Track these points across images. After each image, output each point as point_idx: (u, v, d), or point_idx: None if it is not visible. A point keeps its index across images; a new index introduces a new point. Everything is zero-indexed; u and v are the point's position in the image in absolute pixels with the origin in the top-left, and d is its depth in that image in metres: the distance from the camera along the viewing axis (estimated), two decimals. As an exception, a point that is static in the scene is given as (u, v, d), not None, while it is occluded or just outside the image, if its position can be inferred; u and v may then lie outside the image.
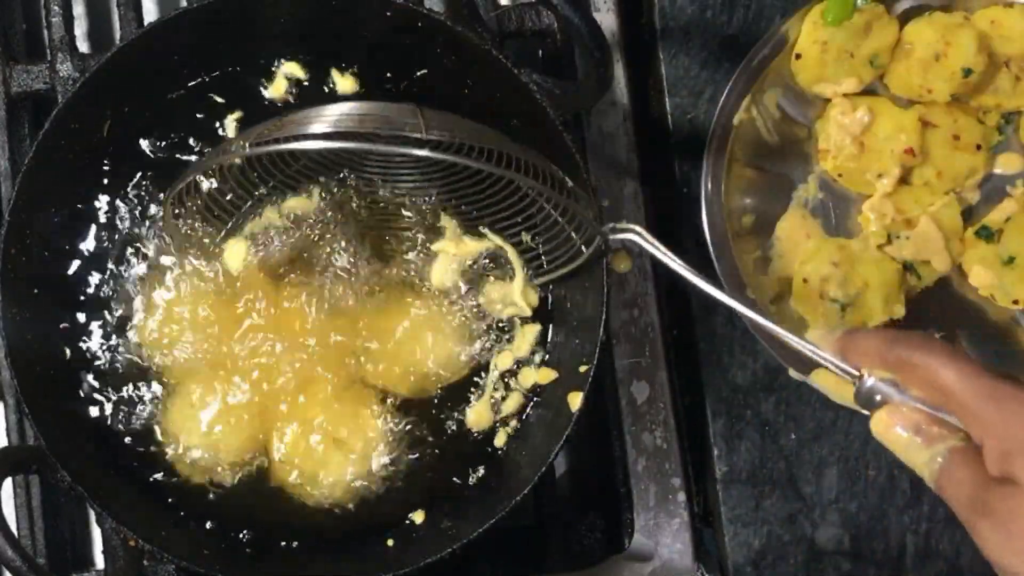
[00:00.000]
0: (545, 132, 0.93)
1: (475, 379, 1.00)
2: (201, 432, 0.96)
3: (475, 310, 1.00)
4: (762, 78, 1.05)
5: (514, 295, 0.99)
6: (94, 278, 0.99)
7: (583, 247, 0.94)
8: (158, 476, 0.98)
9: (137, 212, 1.00)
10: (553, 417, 0.97)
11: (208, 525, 0.97)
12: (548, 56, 1.10)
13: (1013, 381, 0.71)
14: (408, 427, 0.99)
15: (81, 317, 0.99)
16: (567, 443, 0.93)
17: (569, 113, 0.99)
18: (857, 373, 0.78)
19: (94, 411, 0.98)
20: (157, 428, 0.98)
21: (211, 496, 0.98)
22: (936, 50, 1.03)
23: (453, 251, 0.99)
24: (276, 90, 1.01)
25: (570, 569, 1.06)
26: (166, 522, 0.96)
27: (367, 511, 0.98)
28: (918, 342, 0.75)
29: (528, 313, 1.00)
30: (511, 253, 0.99)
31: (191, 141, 1.01)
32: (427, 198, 0.99)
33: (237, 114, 1.00)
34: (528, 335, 1.01)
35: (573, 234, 0.94)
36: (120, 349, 0.98)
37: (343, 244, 0.98)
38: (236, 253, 0.98)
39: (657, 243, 0.88)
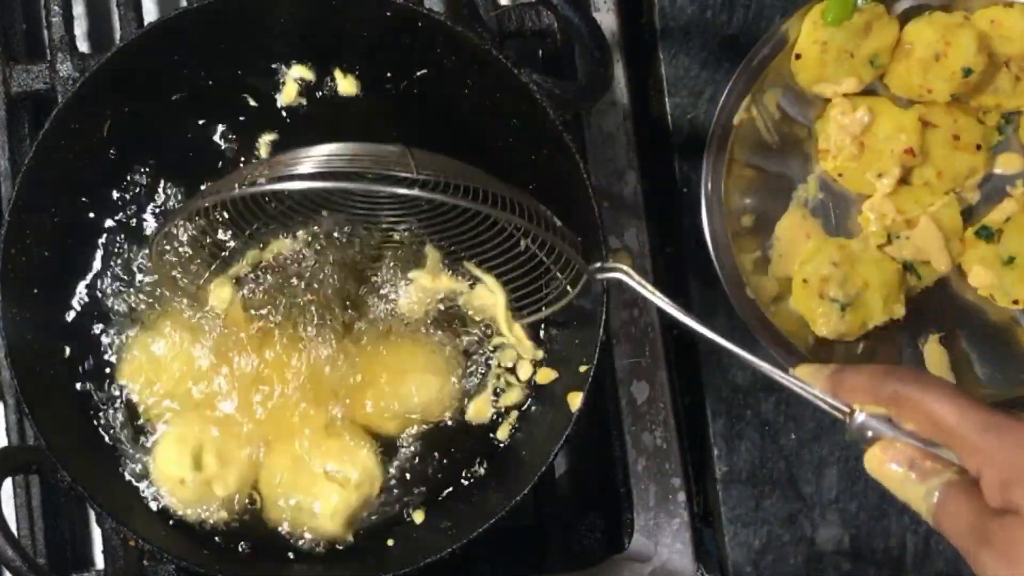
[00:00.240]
0: (545, 132, 0.93)
1: (476, 374, 1.00)
2: (190, 470, 0.95)
3: (463, 351, 1.00)
4: (762, 78, 1.05)
5: (501, 327, 0.98)
6: (94, 278, 0.99)
7: (568, 287, 0.93)
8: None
9: (137, 212, 1.00)
10: (553, 417, 0.97)
11: (208, 525, 0.97)
12: (548, 56, 1.10)
13: (1007, 413, 0.71)
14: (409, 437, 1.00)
15: (81, 317, 0.99)
16: (567, 443, 0.93)
17: (569, 113, 0.99)
18: (847, 409, 0.77)
19: (94, 411, 0.98)
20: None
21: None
22: (936, 50, 1.03)
23: (428, 284, 0.98)
24: (287, 96, 1.01)
25: (570, 569, 1.06)
26: (166, 522, 0.96)
27: (367, 511, 0.98)
28: (911, 376, 0.74)
29: (523, 350, 0.99)
30: (492, 283, 0.98)
31: (191, 141, 1.01)
32: (412, 228, 0.98)
33: (271, 136, 1.01)
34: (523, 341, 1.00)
35: (559, 274, 0.94)
36: (121, 349, 0.99)
37: (329, 283, 0.98)
38: (221, 293, 0.97)
39: (644, 282, 0.87)
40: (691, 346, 1.10)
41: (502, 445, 1.00)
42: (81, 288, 0.99)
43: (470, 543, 0.92)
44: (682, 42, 1.11)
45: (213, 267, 0.97)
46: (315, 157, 0.87)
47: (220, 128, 1.01)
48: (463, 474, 1.00)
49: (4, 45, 1.07)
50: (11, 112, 1.06)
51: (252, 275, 0.98)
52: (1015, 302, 1.05)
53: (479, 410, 1.00)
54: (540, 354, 1.00)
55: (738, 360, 0.83)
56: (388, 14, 0.95)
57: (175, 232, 0.96)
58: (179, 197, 1.00)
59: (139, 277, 0.99)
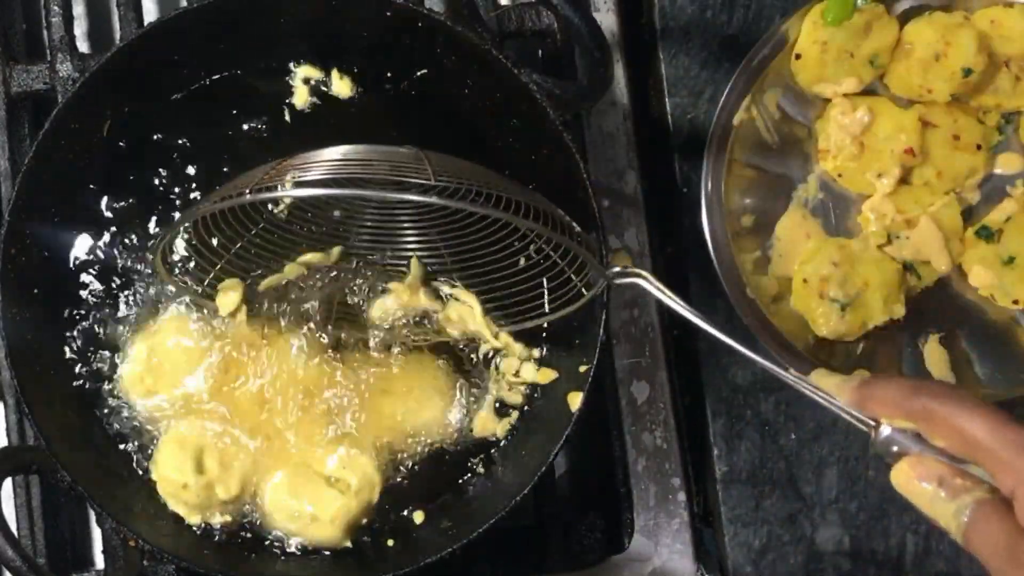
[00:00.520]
0: (545, 132, 0.93)
1: (477, 385, 1.01)
2: (192, 474, 0.95)
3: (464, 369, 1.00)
4: (762, 78, 1.05)
5: (485, 335, 0.98)
6: (94, 278, 0.99)
7: (584, 290, 0.92)
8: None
9: (137, 213, 1.00)
10: (553, 417, 0.97)
11: (210, 528, 0.97)
12: (548, 56, 1.10)
13: None
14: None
15: (82, 317, 0.99)
16: (567, 443, 0.93)
17: (569, 113, 0.99)
18: (873, 423, 0.75)
19: (94, 411, 0.98)
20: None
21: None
22: (936, 50, 1.03)
23: (405, 297, 0.98)
24: (300, 98, 1.01)
25: (570, 569, 1.06)
26: (166, 522, 0.96)
27: (367, 517, 0.98)
28: (942, 391, 0.73)
29: (513, 351, 0.99)
30: (465, 295, 0.97)
31: (191, 141, 1.01)
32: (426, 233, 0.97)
33: (270, 136, 1.00)
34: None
35: (573, 276, 0.93)
36: (121, 350, 0.99)
37: (342, 290, 0.98)
38: (228, 297, 0.97)
39: (663, 287, 0.86)
40: (691, 346, 1.09)
41: (502, 445, 1.00)
42: (81, 288, 0.99)
43: (470, 543, 0.92)
44: (682, 42, 1.11)
45: (218, 267, 0.97)
46: (327, 162, 0.85)
47: (220, 128, 1.01)
48: (463, 474, 1.00)
49: (4, 45, 1.07)
50: (11, 112, 1.06)
51: (258, 283, 0.98)
52: (1015, 302, 1.05)
53: (484, 424, 1.00)
54: (535, 352, 1.00)
55: (770, 375, 0.83)
56: (388, 14, 0.95)
57: (180, 235, 0.96)
58: (180, 198, 1.00)
59: (139, 278, 0.99)
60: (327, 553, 0.97)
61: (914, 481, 0.73)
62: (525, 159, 0.97)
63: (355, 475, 0.96)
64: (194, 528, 0.96)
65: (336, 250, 0.98)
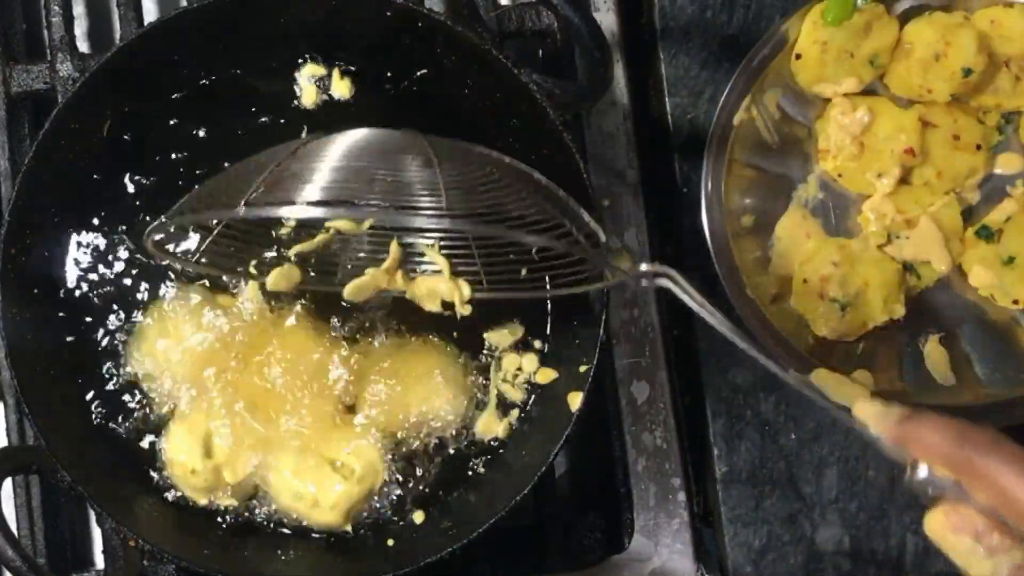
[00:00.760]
0: (545, 132, 0.93)
1: (480, 385, 1.01)
2: (201, 459, 0.96)
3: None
4: (762, 78, 1.05)
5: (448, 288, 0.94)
6: (95, 278, 0.99)
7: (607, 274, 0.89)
8: (156, 476, 0.98)
9: (137, 212, 1.00)
10: (553, 417, 0.97)
11: (207, 525, 0.97)
12: (548, 56, 1.10)
13: None
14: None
15: (81, 317, 0.99)
16: (567, 443, 0.93)
17: (569, 113, 0.99)
18: (911, 460, 0.73)
19: (94, 411, 0.98)
20: (157, 439, 0.98)
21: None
22: (936, 50, 1.03)
23: (382, 283, 0.96)
24: (308, 97, 1.01)
25: (570, 569, 1.06)
26: (166, 522, 0.96)
27: (368, 505, 0.98)
28: (988, 444, 0.69)
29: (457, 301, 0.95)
30: (439, 260, 0.95)
31: (192, 141, 1.01)
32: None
33: (270, 136, 0.99)
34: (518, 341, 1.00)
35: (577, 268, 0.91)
36: (121, 350, 0.99)
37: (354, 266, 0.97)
38: (247, 289, 0.98)
39: (691, 290, 0.83)
40: (691, 346, 1.10)
41: (502, 445, 1.00)
42: (81, 288, 0.99)
43: (470, 543, 0.92)
44: (682, 42, 1.11)
45: (200, 256, 0.97)
46: (327, 174, 0.84)
47: (220, 128, 1.01)
48: (463, 474, 1.00)
49: (4, 45, 1.07)
50: (11, 112, 1.06)
51: (268, 265, 0.98)
52: (1015, 302, 1.05)
53: (487, 425, 1.00)
54: (536, 344, 1.00)
55: (741, 352, 0.82)
56: (388, 14, 0.95)
57: (183, 225, 0.95)
58: (180, 197, 1.00)
59: (139, 276, 0.99)
60: (327, 553, 0.97)
61: (950, 533, 0.71)
62: (525, 159, 0.96)
63: (360, 461, 0.97)
64: (199, 518, 0.97)
65: (369, 221, 0.94)
